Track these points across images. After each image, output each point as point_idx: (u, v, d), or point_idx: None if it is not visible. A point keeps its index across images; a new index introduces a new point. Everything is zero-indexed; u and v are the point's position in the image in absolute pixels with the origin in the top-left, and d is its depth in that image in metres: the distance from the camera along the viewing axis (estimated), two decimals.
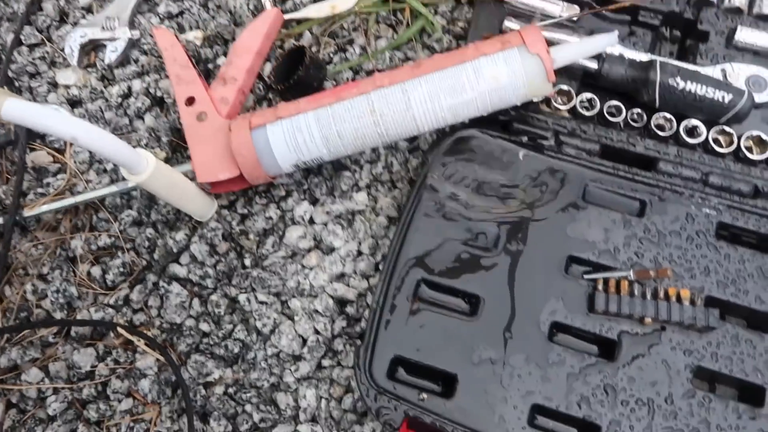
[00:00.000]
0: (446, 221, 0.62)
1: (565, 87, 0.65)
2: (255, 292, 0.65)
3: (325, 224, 0.67)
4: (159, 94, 0.73)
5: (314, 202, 0.68)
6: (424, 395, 0.57)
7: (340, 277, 0.65)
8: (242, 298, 0.64)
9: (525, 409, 0.56)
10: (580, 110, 0.65)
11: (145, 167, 0.57)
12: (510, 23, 0.67)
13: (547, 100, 0.65)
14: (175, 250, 0.66)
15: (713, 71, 0.65)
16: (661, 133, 0.63)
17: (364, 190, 0.68)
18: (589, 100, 0.65)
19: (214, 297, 0.65)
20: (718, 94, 0.61)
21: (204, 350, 0.64)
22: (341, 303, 0.65)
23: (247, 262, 0.66)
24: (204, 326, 0.64)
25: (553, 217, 0.62)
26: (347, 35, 0.75)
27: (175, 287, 0.65)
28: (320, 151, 0.61)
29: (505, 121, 0.65)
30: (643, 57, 0.64)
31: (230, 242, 0.67)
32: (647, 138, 0.64)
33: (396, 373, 0.59)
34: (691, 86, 0.61)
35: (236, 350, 0.63)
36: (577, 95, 0.65)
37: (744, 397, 0.57)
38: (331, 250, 0.66)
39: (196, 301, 0.65)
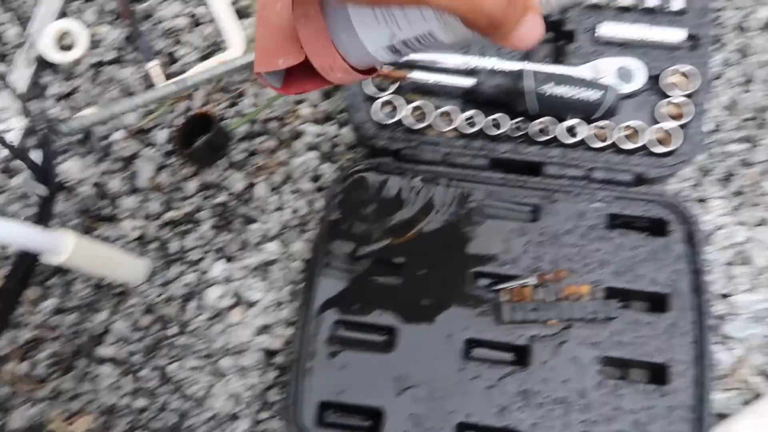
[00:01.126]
0: (352, 258, 0.65)
1: (447, 107, 0.67)
2: (184, 359, 0.67)
3: (243, 279, 0.69)
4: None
5: (229, 259, 0.70)
6: None
7: (265, 328, 0.67)
8: (172, 367, 0.66)
9: (450, 429, 0.59)
10: (464, 128, 0.67)
11: (64, 247, 0.58)
12: None
13: (432, 124, 0.67)
14: (99, 332, 0.67)
15: (585, 69, 0.68)
16: (542, 138, 0.66)
17: (276, 239, 0.70)
18: (472, 117, 0.67)
19: (144, 372, 0.66)
20: (585, 93, 0.64)
21: (143, 426, 0.66)
22: (269, 354, 0.67)
23: (172, 331, 0.68)
24: (139, 402, 0.66)
25: (454, 236, 0.65)
26: (238, 87, 0.76)
27: (105, 369, 0.66)
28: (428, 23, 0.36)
29: (395, 149, 0.67)
30: (515, 67, 0.67)
31: (153, 315, 0.68)
32: (531, 145, 0.67)
33: (325, 418, 0.61)
34: (561, 90, 0.64)
35: (174, 420, 0.65)
36: (460, 114, 0.67)
37: (651, 377, 0.61)
38: (252, 303, 0.68)
39: (127, 379, 0.66)
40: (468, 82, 0.66)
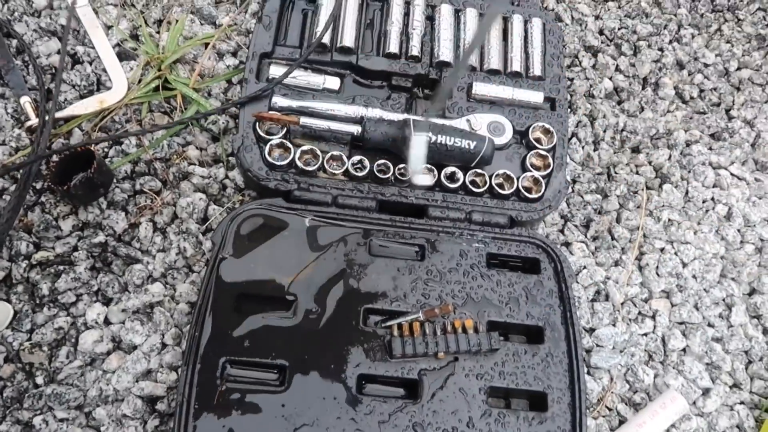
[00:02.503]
0: (244, 297, 0.64)
1: (336, 152, 0.70)
2: (52, 410, 0.61)
3: (123, 322, 0.65)
4: None
5: (107, 302, 0.66)
6: None
7: (147, 374, 0.63)
8: (38, 420, 0.60)
9: None
10: (353, 172, 0.70)
11: None
12: (278, 99, 0.71)
13: (322, 167, 0.70)
14: None
15: (461, 122, 0.74)
16: (422, 184, 0.71)
17: (160, 280, 0.67)
18: (360, 161, 0.70)
19: (3, 427, 0.59)
20: (465, 143, 0.70)
21: None
22: (151, 401, 0.63)
23: (39, 380, 0.62)
24: None
25: (345, 275, 0.66)
26: (120, 128, 0.74)
27: None
28: None
29: (286, 191, 0.69)
30: (400, 117, 0.72)
31: (15, 363, 0.62)
32: (416, 189, 0.71)
33: None
34: (442, 138, 0.69)
35: None
36: (348, 158, 0.70)
37: (533, 404, 0.65)
38: (133, 347, 0.64)
39: None
40: (355, 128, 0.70)
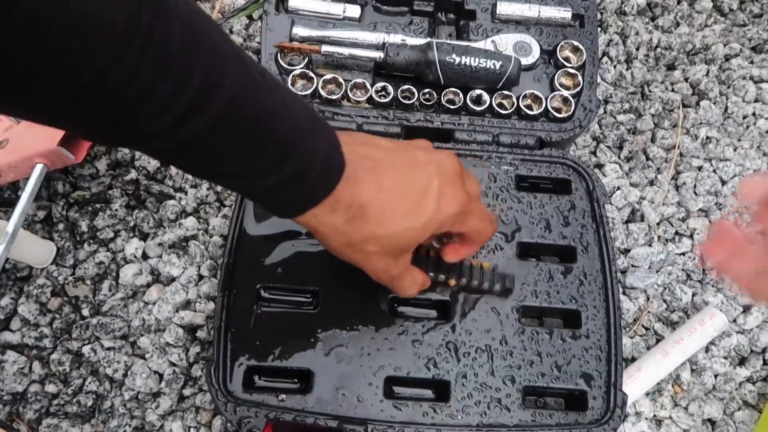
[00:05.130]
0: (273, 224, 0.64)
1: (360, 80, 0.70)
2: (99, 340, 0.64)
3: (160, 256, 0.67)
4: None
5: (144, 237, 0.68)
6: (283, 396, 0.59)
7: (186, 304, 0.65)
8: (86, 349, 0.63)
9: (380, 384, 0.59)
10: (377, 99, 0.69)
11: None
12: (298, 29, 0.71)
13: (345, 95, 0.69)
14: (2, 317, 0.63)
15: (485, 44, 0.72)
16: (452, 107, 0.70)
17: (193, 215, 0.69)
18: (383, 88, 0.70)
19: (55, 356, 0.63)
20: (490, 63, 0.68)
21: (56, 412, 0.62)
22: (191, 330, 0.65)
23: (85, 312, 0.65)
24: (51, 388, 0.62)
25: None
26: None
27: (10, 355, 0.62)
28: None
29: None
30: (422, 41, 0.70)
31: (62, 297, 0.65)
32: (442, 113, 0.70)
33: (253, 383, 0.60)
34: (466, 60, 0.68)
35: (90, 403, 0.62)
36: (372, 86, 0.70)
37: (567, 323, 0.65)
38: (171, 279, 0.66)
39: (36, 365, 0.63)
40: (378, 54, 0.69)
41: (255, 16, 0.78)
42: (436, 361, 0.61)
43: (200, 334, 0.64)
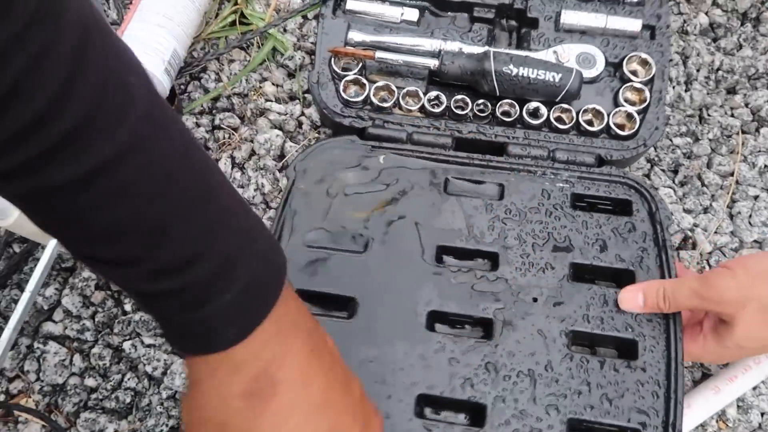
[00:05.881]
0: (314, 230, 0.63)
1: (412, 88, 0.68)
2: (140, 336, 0.64)
3: None
4: None
5: None
6: None
7: None
8: (127, 345, 0.63)
9: (410, 401, 0.56)
10: (429, 108, 0.67)
11: (11, 210, 0.56)
12: (354, 33, 0.70)
13: (397, 103, 0.68)
14: (46, 308, 0.64)
15: (546, 54, 0.69)
16: (507, 119, 0.67)
17: None
18: (437, 97, 0.68)
19: (96, 350, 0.63)
20: (549, 75, 0.65)
21: (93, 406, 0.62)
22: None
23: (128, 307, 0.65)
24: (90, 382, 0.62)
25: (419, 212, 0.64)
26: (197, 62, 0.76)
27: (52, 346, 0.63)
28: None
29: (360, 128, 0.67)
30: (479, 50, 0.68)
31: (105, 290, 0.66)
32: (495, 125, 0.67)
33: None
34: (524, 71, 0.65)
35: (128, 400, 0.62)
36: (425, 94, 0.68)
37: (621, 352, 0.60)
38: None
39: (77, 357, 0.63)
40: (432, 62, 0.67)
41: (310, 16, 0.78)
42: (473, 383, 0.57)
43: None
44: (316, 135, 0.73)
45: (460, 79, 0.67)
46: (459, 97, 0.68)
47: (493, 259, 0.62)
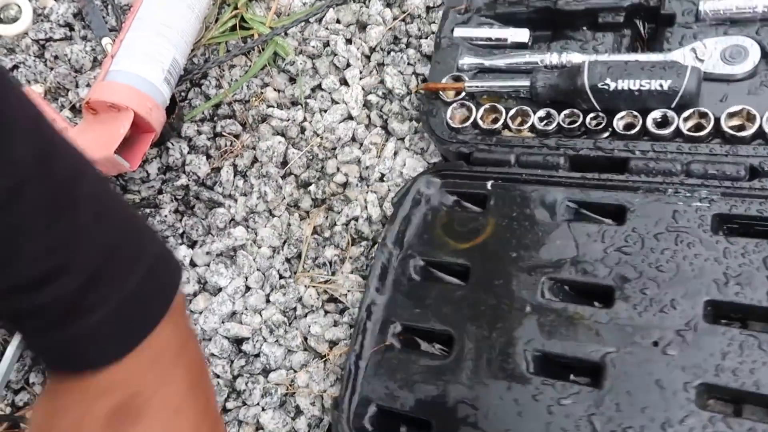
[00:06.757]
0: (415, 258, 0.62)
1: (520, 107, 0.63)
2: None
3: (208, 265, 0.67)
4: None
5: (192, 244, 0.69)
6: None
7: (232, 315, 0.65)
8: None
9: None
10: (540, 127, 0.62)
11: None
12: (466, 59, 0.67)
13: (505, 125, 0.64)
14: None
15: (682, 54, 0.59)
16: (629, 132, 0.58)
17: (242, 224, 0.69)
18: (548, 115, 0.62)
19: None
20: (655, 83, 0.56)
21: None
22: (237, 342, 0.64)
23: None
24: None
25: (526, 240, 0.59)
26: (198, 68, 0.76)
27: None
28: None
29: (467, 153, 0.64)
30: (577, 59, 0.61)
31: None
32: (615, 140, 0.59)
33: (374, 422, 0.58)
34: (623, 84, 0.57)
35: None
36: (534, 113, 0.62)
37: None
38: (218, 290, 0.66)
39: None
40: (523, 83, 0.62)
41: (312, 20, 0.76)
42: None
43: (246, 347, 0.63)
44: (319, 141, 0.71)
45: (553, 99, 0.61)
46: (568, 111, 0.61)
47: (608, 295, 0.54)
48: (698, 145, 0.56)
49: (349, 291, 0.64)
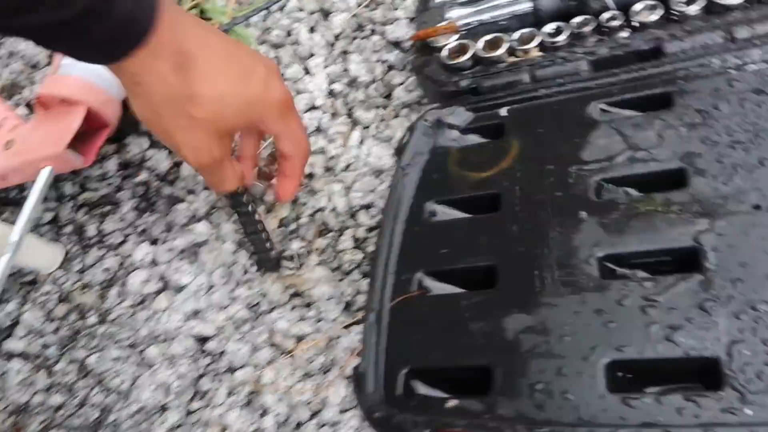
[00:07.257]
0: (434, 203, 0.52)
1: (524, 30, 0.57)
2: (105, 350, 0.59)
3: (169, 262, 0.62)
4: None
5: (154, 241, 0.64)
6: (454, 402, 0.41)
7: (195, 313, 0.59)
8: (92, 359, 0.59)
9: (598, 374, 0.38)
10: (550, 42, 0.55)
11: None
12: (454, 12, 0.62)
13: (510, 51, 0.57)
14: (7, 323, 0.62)
15: None
16: (651, 19, 0.52)
17: (204, 220, 0.63)
18: (557, 29, 0.55)
19: (60, 365, 0.60)
20: None
21: (60, 424, 0.58)
22: (201, 340, 0.59)
23: (92, 320, 0.61)
24: (55, 399, 0.59)
25: (561, 151, 0.50)
26: None
27: (15, 364, 0.61)
28: None
29: (472, 88, 0.56)
30: None
31: (68, 303, 0.62)
32: (637, 32, 0.53)
33: (414, 388, 0.44)
34: None
35: (96, 416, 0.57)
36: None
37: None
38: (181, 288, 0.61)
39: (41, 374, 0.60)
40: (525, 5, 0.57)
41: (274, 9, 0.73)
42: (687, 331, 0.37)
43: (210, 345, 0.58)
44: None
45: (565, 11, 0.55)
46: (579, 19, 0.55)
47: (679, 175, 0.44)
48: (735, 12, 0.50)
49: (315, 285, 0.58)
